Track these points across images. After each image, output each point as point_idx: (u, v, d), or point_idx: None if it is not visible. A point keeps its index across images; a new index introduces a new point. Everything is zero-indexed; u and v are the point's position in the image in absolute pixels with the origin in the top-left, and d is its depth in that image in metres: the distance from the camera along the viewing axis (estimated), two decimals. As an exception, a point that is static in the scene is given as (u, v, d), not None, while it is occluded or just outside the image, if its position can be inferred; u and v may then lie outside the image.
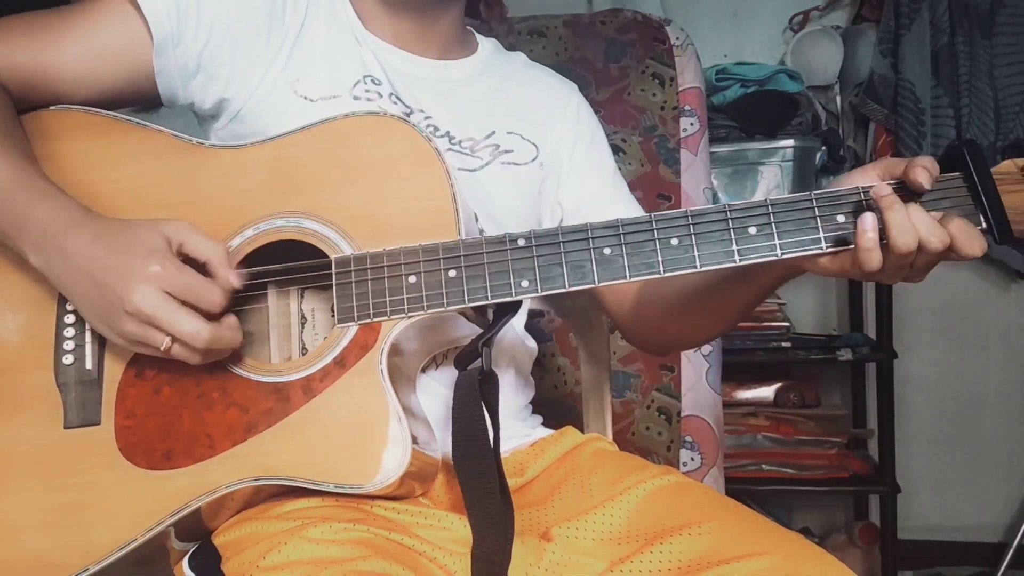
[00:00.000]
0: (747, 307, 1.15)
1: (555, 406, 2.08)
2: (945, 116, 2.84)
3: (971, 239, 0.91)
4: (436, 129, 1.23)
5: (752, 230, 0.96)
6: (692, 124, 2.18)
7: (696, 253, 0.96)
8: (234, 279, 1.00)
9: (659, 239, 0.97)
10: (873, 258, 0.91)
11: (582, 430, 1.31)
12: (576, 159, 1.35)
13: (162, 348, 0.96)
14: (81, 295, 1.00)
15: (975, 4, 2.83)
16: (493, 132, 1.28)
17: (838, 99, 3.08)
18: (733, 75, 2.87)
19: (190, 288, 0.96)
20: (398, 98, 1.22)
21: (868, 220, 0.91)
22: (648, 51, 2.21)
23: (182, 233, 1.00)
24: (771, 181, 2.77)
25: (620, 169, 2.11)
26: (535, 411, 1.38)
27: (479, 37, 1.41)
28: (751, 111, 2.83)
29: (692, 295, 1.16)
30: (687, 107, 2.19)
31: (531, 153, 1.30)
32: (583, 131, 1.38)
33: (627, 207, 1.36)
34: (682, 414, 2.11)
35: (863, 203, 0.94)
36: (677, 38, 2.22)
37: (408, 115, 1.21)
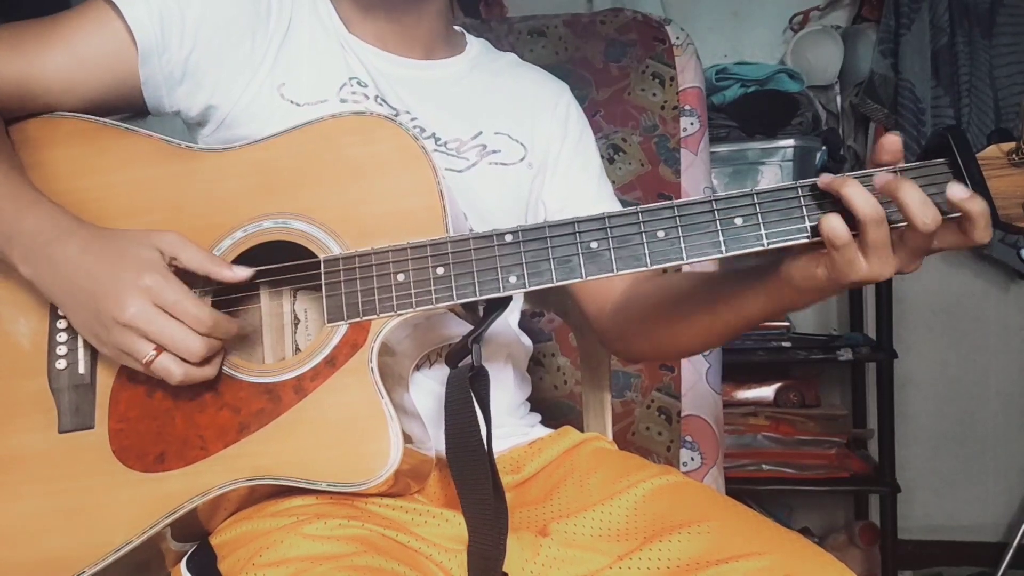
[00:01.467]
0: (732, 329, 1.12)
1: (555, 406, 2.09)
2: (945, 116, 2.84)
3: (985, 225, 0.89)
4: (422, 130, 1.23)
5: (738, 221, 0.95)
6: (692, 124, 2.18)
7: (682, 245, 0.96)
8: (240, 273, 1.02)
9: (645, 232, 0.96)
10: (839, 228, 0.89)
11: (581, 430, 1.31)
12: (563, 158, 1.35)
13: (144, 360, 0.96)
14: (71, 304, 1.00)
15: (975, 4, 2.83)
16: (480, 132, 1.28)
17: (838, 99, 3.08)
18: (733, 75, 2.88)
19: (179, 306, 0.96)
20: (384, 100, 1.22)
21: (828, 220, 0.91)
22: (648, 51, 2.21)
23: (174, 246, 1.01)
24: (771, 181, 2.77)
25: (620, 169, 2.14)
26: (534, 410, 1.37)
27: (469, 37, 1.40)
28: (751, 111, 2.83)
29: (678, 305, 1.16)
30: (687, 107, 2.19)
31: (519, 153, 1.30)
32: (571, 130, 1.37)
33: (610, 208, 1.34)
34: (682, 414, 2.11)
35: None
36: (677, 38, 2.22)
37: (395, 116, 1.21)
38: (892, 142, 0.94)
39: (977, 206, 0.88)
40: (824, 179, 0.93)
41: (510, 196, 1.29)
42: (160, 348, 0.96)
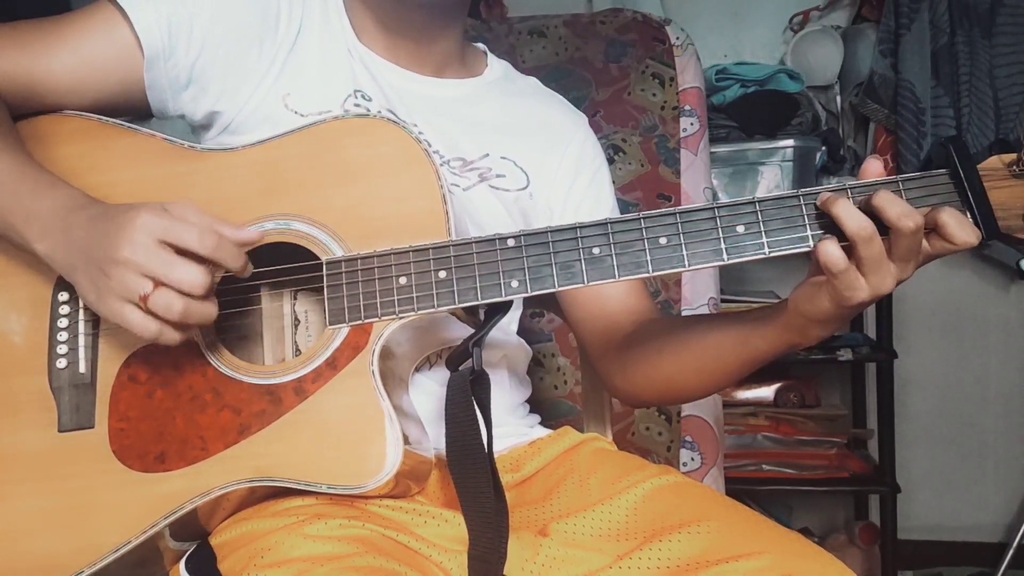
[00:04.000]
0: (741, 365, 1.10)
1: (555, 406, 2.09)
2: (945, 116, 2.83)
3: (963, 225, 0.90)
4: (428, 144, 1.21)
5: (740, 228, 0.95)
6: (692, 124, 2.18)
7: (684, 252, 0.96)
8: (251, 233, 0.99)
9: (648, 238, 0.96)
10: (836, 254, 0.90)
11: (581, 430, 1.31)
12: (574, 195, 1.33)
13: (141, 295, 0.91)
14: (79, 265, 0.96)
15: (975, 4, 2.83)
16: (487, 155, 1.26)
17: (838, 99, 3.07)
18: (733, 75, 2.87)
19: (178, 230, 0.93)
20: (391, 112, 1.21)
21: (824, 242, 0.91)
22: (648, 51, 2.21)
23: (186, 209, 0.96)
24: (771, 181, 2.76)
25: (620, 169, 2.15)
26: (534, 411, 1.37)
27: (491, 59, 1.39)
28: (751, 111, 2.82)
29: (685, 342, 1.15)
30: (687, 107, 2.19)
31: (521, 181, 1.28)
32: (585, 167, 1.35)
33: None
34: (682, 414, 2.11)
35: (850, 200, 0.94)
36: (677, 38, 2.22)
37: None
38: (873, 169, 0.95)
39: (915, 222, 0.89)
40: (821, 197, 0.93)
41: (509, 218, 1.27)
42: (157, 283, 0.92)
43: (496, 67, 1.38)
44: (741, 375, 1.12)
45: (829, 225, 0.93)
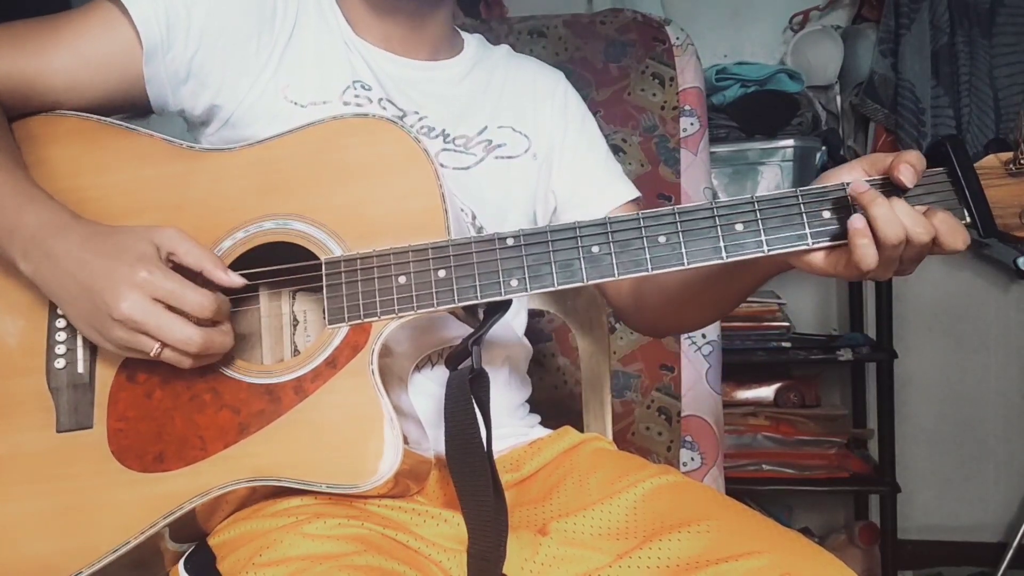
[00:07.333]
0: (740, 297, 1.18)
1: (555, 406, 2.08)
2: (945, 116, 2.83)
3: (954, 232, 0.91)
4: (432, 129, 1.24)
5: (739, 227, 0.96)
6: (692, 124, 2.18)
7: (684, 250, 0.96)
8: (236, 279, 1.01)
9: (647, 237, 0.97)
10: (869, 254, 0.91)
11: (581, 430, 1.31)
12: (567, 145, 1.36)
13: (152, 354, 0.96)
14: (70, 301, 1.00)
15: (975, 4, 2.83)
16: (485, 127, 1.29)
17: (838, 99, 3.07)
18: (733, 75, 2.87)
19: (178, 294, 0.96)
20: (390, 102, 1.23)
21: (858, 220, 0.92)
22: (648, 51, 2.21)
23: (172, 240, 1.00)
24: (771, 181, 2.76)
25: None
26: (534, 411, 1.37)
27: (464, 35, 1.41)
28: (751, 111, 2.82)
29: (687, 288, 1.19)
30: (687, 107, 2.18)
31: (523, 145, 1.32)
32: (571, 117, 1.39)
33: (626, 188, 1.38)
34: (682, 414, 2.11)
35: (847, 198, 0.94)
36: (677, 38, 2.21)
37: (402, 118, 1.22)
38: (918, 169, 0.94)
39: (928, 233, 0.91)
40: (856, 187, 0.93)
41: (517, 189, 1.30)
42: (164, 343, 0.96)
43: (472, 41, 1.41)
44: (734, 305, 1.23)
45: (828, 223, 0.93)
